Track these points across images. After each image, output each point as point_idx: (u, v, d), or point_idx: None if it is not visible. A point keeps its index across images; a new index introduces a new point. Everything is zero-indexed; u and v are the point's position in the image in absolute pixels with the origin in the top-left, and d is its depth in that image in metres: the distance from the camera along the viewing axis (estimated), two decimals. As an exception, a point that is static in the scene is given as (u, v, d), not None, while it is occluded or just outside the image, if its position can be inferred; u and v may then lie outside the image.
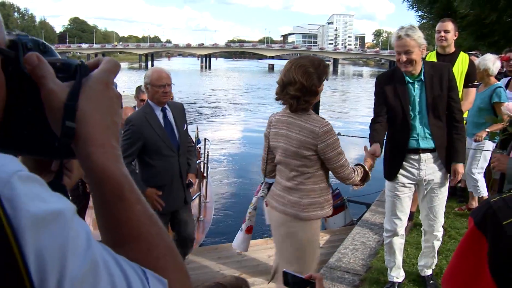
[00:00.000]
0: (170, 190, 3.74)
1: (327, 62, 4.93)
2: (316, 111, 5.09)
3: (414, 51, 3.23)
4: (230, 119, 22.84)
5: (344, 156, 2.84)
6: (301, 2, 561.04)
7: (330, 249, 5.08)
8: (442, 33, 4.68)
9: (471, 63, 4.75)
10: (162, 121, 3.67)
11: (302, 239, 2.89)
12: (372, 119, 3.59)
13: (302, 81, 2.68)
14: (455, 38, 4.76)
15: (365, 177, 3.02)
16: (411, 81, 3.38)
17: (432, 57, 4.87)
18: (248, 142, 16.81)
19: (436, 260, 3.84)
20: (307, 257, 2.93)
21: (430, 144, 3.40)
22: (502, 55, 5.99)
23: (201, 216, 6.74)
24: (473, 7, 10.19)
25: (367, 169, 3.03)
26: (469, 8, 10.35)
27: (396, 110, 3.41)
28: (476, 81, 4.84)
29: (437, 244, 3.73)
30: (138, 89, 5.31)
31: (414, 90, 3.39)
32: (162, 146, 3.63)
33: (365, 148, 3.31)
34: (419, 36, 3.25)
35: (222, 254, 5.20)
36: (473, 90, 4.76)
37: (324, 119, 2.82)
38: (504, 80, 5.52)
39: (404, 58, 3.23)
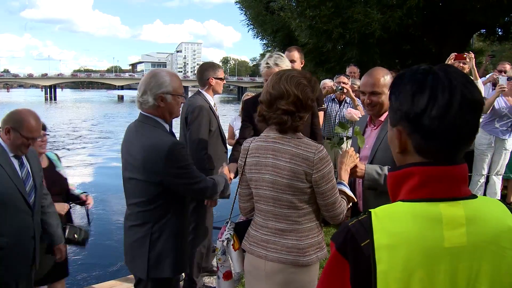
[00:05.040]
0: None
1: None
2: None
3: None
4: (84, 151, 21.56)
5: (337, 190, 2.36)
6: (149, 31, 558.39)
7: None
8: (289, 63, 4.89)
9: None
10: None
11: (303, 286, 2.41)
12: (236, 141, 3.60)
13: (297, 93, 2.25)
14: (301, 65, 5.06)
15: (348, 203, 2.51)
16: None
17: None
18: (102, 173, 15.99)
19: None
20: None
21: None
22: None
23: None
24: (311, 37, 11.12)
25: (350, 194, 2.50)
26: (308, 38, 11.25)
27: None
28: (323, 105, 5.25)
29: None
30: None
31: None
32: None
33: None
34: (287, 65, 3.36)
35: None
36: (321, 114, 5.14)
37: (318, 144, 2.32)
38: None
39: None
